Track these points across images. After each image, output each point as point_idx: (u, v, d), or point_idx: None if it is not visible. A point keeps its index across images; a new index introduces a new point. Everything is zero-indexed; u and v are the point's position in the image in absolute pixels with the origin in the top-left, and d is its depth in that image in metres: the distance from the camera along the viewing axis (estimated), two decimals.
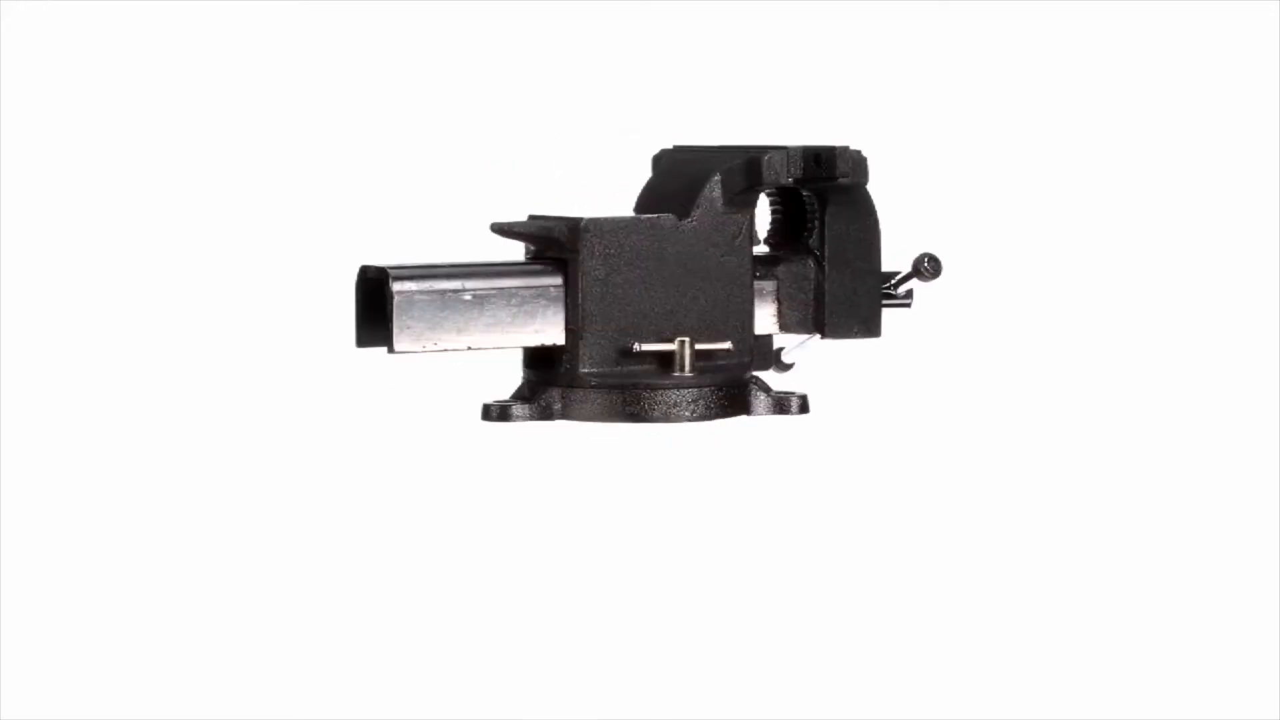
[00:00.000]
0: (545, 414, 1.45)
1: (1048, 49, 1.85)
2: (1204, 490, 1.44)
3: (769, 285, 1.50)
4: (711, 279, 1.45)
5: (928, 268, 1.48)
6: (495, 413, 1.45)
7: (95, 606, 1.37)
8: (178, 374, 1.55)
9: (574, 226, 1.43)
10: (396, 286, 1.40)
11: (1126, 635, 1.35)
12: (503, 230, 1.47)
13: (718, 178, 1.45)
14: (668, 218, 1.45)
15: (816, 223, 1.48)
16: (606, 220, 1.44)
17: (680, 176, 1.49)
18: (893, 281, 1.50)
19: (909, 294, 1.50)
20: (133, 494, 1.45)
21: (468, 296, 1.42)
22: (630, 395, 1.44)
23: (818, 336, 1.48)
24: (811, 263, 1.49)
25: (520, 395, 1.47)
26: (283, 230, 1.69)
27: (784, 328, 1.49)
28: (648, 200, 1.50)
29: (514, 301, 1.43)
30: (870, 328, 1.48)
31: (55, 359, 1.57)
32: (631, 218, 1.46)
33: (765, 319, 1.50)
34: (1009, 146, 1.78)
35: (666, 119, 1.81)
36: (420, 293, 1.41)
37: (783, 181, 1.46)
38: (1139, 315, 1.61)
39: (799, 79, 1.84)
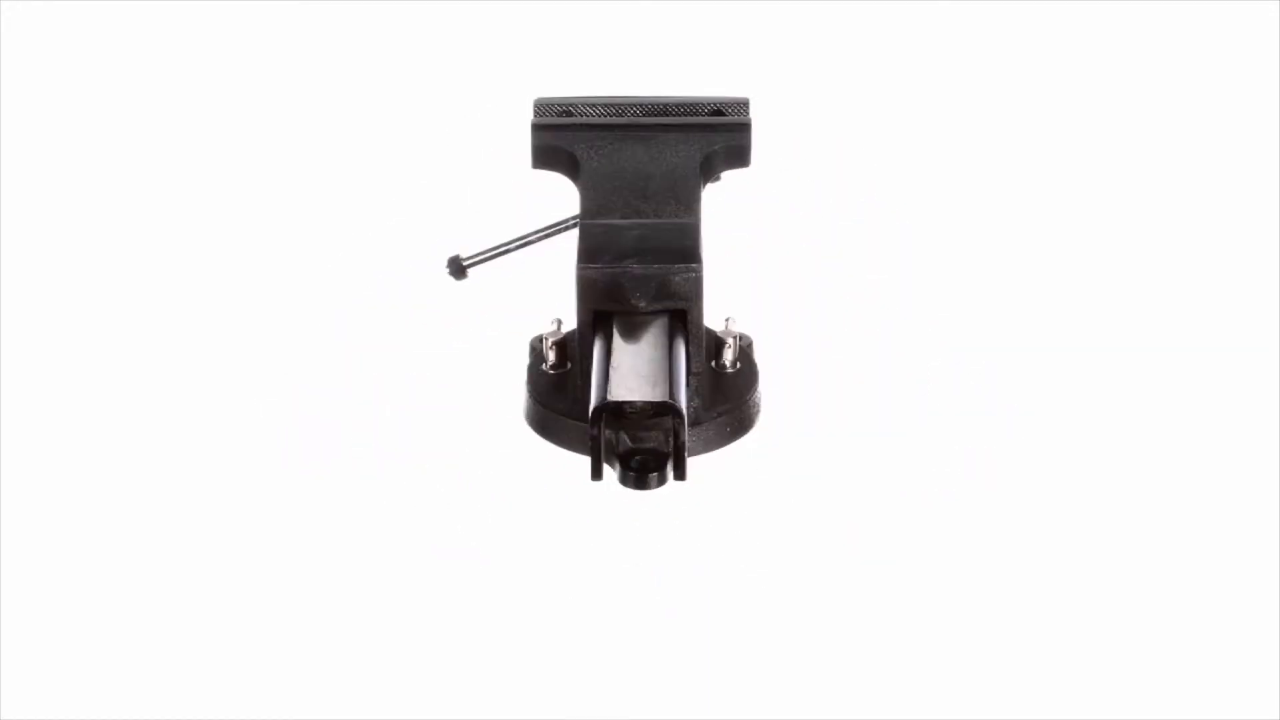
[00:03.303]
0: None
1: (1044, 48, 1.86)
2: (1204, 491, 1.45)
3: None
4: None
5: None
6: None
7: (95, 606, 1.38)
8: (180, 377, 1.56)
9: None
10: None
11: (1127, 636, 1.35)
12: None
13: None
14: None
15: None
16: None
17: None
18: None
19: None
20: (134, 492, 1.45)
21: None
22: None
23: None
24: None
25: None
26: (281, 229, 1.70)
27: None
28: None
29: None
30: None
31: (55, 362, 1.57)
32: None
33: None
34: (1001, 145, 1.79)
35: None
36: None
37: None
38: (1136, 315, 1.61)
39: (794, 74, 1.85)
